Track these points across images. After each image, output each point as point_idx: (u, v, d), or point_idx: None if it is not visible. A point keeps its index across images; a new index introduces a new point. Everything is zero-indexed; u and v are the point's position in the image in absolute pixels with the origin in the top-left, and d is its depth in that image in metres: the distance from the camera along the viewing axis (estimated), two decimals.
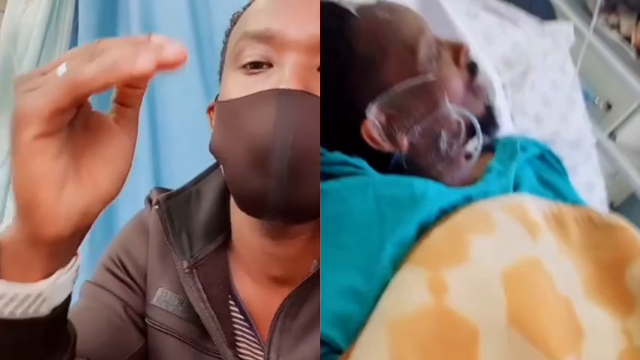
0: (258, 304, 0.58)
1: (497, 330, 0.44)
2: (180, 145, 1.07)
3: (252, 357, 0.58)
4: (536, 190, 0.62)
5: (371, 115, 0.59)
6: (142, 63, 0.31)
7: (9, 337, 0.37)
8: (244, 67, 0.50)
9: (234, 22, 0.56)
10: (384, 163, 0.60)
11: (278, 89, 0.48)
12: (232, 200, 0.57)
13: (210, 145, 0.53)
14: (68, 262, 0.38)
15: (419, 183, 0.55)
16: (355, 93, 0.60)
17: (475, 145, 0.61)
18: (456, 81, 0.61)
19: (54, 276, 0.37)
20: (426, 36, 0.61)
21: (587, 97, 1.11)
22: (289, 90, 0.47)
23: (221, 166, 0.54)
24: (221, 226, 0.59)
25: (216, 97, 0.55)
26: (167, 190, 0.62)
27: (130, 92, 0.38)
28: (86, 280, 0.62)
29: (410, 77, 0.59)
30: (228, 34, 0.57)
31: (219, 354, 0.56)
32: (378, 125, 0.59)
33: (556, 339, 0.44)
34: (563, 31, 0.95)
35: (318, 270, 0.54)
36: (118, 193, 0.38)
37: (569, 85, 0.92)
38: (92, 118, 0.37)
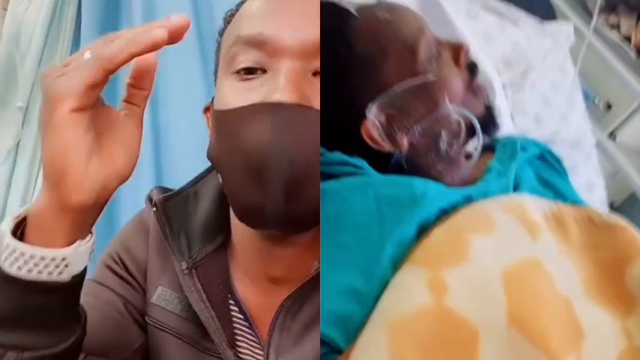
0: (258, 304, 0.58)
1: (497, 330, 0.44)
2: (181, 145, 1.07)
3: (252, 357, 0.58)
4: (536, 190, 0.62)
5: (371, 115, 0.59)
6: (158, 32, 0.37)
7: (30, 300, 0.40)
8: (238, 72, 0.49)
9: (227, 21, 0.55)
10: (384, 163, 0.60)
11: (272, 104, 0.46)
12: None
13: (208, 152, 0.53)
14: (86, 236, 0.42)
15: (419, 183, 0.55)
16: (355, 93, 0.60)
17: (475, 145, 0.61)
18: (456, 81, 0.61)
19: (75, 244, 0.40)
20: (426, 36, 0.61)
21: (587, 97, 1.11)
22: (283, 105, 0.46)
23: (218, 175, 0.53)
24: (220, 227, 0.59)
25: (212, 99, 0.55)
26: (168, 189, 0.62)
27: (136, 93, 0.43)
28: (86, 277, 0.62)
29: (410, 77, 0.59)
30: (221, 34, 0.56)
31: (219, 353, 0.56)
32: (378, 125, 0.59)
33: (556, 339, 0.44)
34: (563, 31, 0.95)
35: (319, 270, 0.53)
36: (131, 172, 0.43)
37: (569, 85, 0.92)
38: (106, 110, 0.42)
